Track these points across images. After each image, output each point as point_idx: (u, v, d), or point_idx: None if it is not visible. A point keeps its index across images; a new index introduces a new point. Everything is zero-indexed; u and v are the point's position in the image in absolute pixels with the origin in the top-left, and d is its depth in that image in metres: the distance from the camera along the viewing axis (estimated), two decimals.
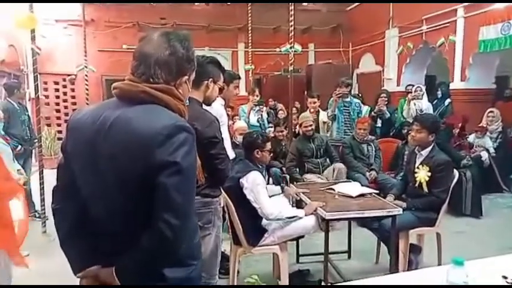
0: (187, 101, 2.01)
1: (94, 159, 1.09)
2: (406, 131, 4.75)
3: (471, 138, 5.42)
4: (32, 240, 3.71)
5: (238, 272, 2.86)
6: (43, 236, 4.05)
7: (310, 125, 4.44)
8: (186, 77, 1.21)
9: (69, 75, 8.56)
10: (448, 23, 6.44)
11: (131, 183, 1.05)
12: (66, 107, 8.76)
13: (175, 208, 1.03)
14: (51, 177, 1.40)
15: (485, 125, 5.48)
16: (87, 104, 7.56)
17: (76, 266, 1.17)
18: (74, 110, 8.55)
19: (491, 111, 5.51)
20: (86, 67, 7.67)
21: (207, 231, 2.08)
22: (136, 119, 1.06)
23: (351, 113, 5.25)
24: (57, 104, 8.74)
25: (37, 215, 4.45)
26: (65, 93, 8.76)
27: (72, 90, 8.77)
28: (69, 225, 1.19)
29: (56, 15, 8.28)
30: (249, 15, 8.10)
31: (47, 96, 8.55)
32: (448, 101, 6.18)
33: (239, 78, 3.13)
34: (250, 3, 8.05)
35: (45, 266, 3.07)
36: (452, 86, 6.46)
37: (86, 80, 7.74)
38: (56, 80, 8.68)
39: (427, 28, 6.93)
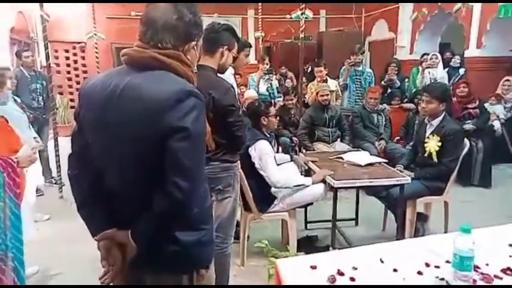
0: (202, 69, 2.04)
1: (106, 126, 1.12)
2: (417, 100, 4.69)
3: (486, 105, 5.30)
4: (50, 205, 3.92)
5: (248, 237, 2.96)
6: (60, 201, 4.22)
7: (327, 95, 4.42)
8: (194, 43, 1.22)
9: (79, 43, 8.52)
10: None
11: (142, 147, 1.08)
12: (77, 75, 8.78)
13: (185, 172, 1.06)
14: (66, 145, 1.45)
15: (500, 93, 5.37)
16: (98, 72, 7.56)
17: (94, 229, 1.22)
18: (85, 78, 8.56)
19: (507, 80, 5.37)
20: (95, 35, 7.61)
21: (226, 194, 2.14)
22: (145, 85, 1.08)
23: (363, 82, 5.19)
24: (68, 72, 8.76)
25: (54, 181, 4.60)
26: (75, 61, 8.76)
27: (83, 58, 8.75)
28: (85, 191, 1.24)
29: None
30: None
31: (58, 65, 8.55)
32: (462, 70, 6.03)
33: (250, 46, 3.11)
34: None
35: (65, 229, 3.22)
36: (467, 53, 6.27)
37: (96, 48, 7.70)
38: (66, 48, 8.65)
39: None
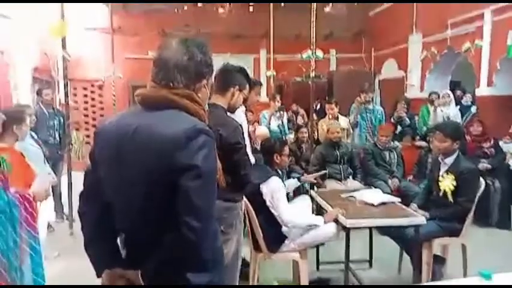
0: (212, 107, 2.09)
1: (119, 165, 1.14)
2: (429, 138, 4.66)
3: (501, 143, 5.23)
4: (60, 242, 3.90)
5: (258, 278, 2.88)
6: (70, 238, 4.20)
7: (338, 132, 4.44)
8: (205, 81, 1.25)
9: (97, 81, 8.87)
10: (474, 27, 6.28)
11: (154, 186, 1.09)
12: (94, 112, 9.06)
13: (196, 211, 1.06)
14: (79, 180, 1.47)
15: None
16: (114, 108, 7.80)
17: (98, 268, 1.22)
18: (101, 115, 8.85)
19: None
20: (113, 74, 7.93)
21: (228, 236, 2.10)
22: (157, 124, 1.11)
23: (373, 120, 5.22)
24: (86, 109, 9.06)
25: (65, 217, 4.61)
26: (93, 99, 9.09)
27: (100, 95, 9.08)
28: (92, 229, 1.25)
29: (85, 23, 8.60)
30: (271, 22, 8.15)
31: (76, 102, 8.86)
32: (474, 108, 6.02)
33: (261, 85, 3.20)
34: (272, 11, 8.11)
35: (74, 267, 3.18)
36: (478, 92, 6.28)
37: (113, 86, 7.99)
38: (85, 86, 9.00)
39: (452, 33, 6.78)
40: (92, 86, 9.02)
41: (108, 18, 8.13)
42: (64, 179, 4.53)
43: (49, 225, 4.17)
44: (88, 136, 8.42)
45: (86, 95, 9.05)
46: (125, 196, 1.16)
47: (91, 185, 1.26)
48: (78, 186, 1.36)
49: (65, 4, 4.25)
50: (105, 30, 8.44)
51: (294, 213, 2.75)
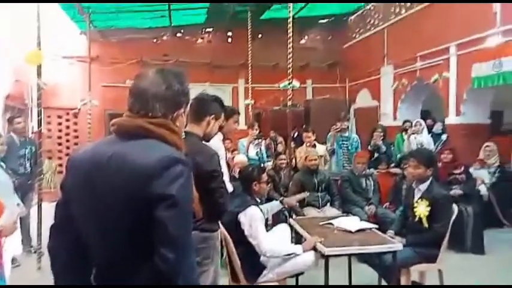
0: (188, 135, 2.08)
1: (91, 195, 1.11)
2: (403, 165, 4.78)
3: (471, 170, 5.42)
4: (27, 277, 3.68)
5: None
6: (38, 273, 3.97)
7: (315, 159, 4.50)
8: (182, 110, 1.26)
9: (72, 109, 8.73)
10: (441, 60, 6.65)
11: (128, 217, 1.06)
12: (68, 141, 8.87)
13: (172, 242, 1.03)
14: (50, 211, 1.41)
15: (482, 159, 5.52)
16: (88, 137, 7.64)
17: None
18: (76, 143, 8.66)
19: (487, 146, 5.56)
20: (89, 102, 7.84)
21: (205, 267, 2.06)
22: (133, 153, 1.09)
23: (349, 147, 5.33)
24: (60, 137, 8.85)
25: (33, 250, 4.38)
26: (67, 127, 8.91)
27: (75, 124, 8.93)
28: (63, 265, 1.20)
29: (62, 51, 8.57)
30: (249, 52, 8.38)
31: (49, 130, 8.65)
32: (444, 136, 6.26)
33: (238, 113, 3.21)
34: (250, 42, 8.35)
35: None
36: (447, 121, 6.57)
37: (89, 114, 7.87)
38: (60, 114, 8.85)
39: (421, 65, 7.14)
40: (67, 114, 8.88)
41: (86, 47, 8.12)
42: (34, 210, 4.34)
43: (14, 260, 3.94)
44: (61, 165, 8.17)
45: (60, 123, 8.88)
46: (97, 228, 1.12)
47: (63, 217, 1.21)
48: (49, 217, 1.31)
49: (42, 32, 4.23)
50: (82, 58, 8.42)
51: (273, 242, 2.72)
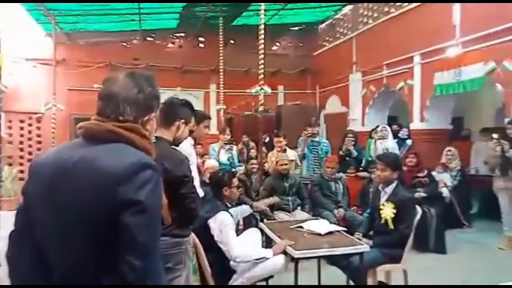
0: (157, 140, 2.06)
1: (55, 201, 1.07)
2: (370, 169, 4.93)
3: (434, 173, 5.66)
4: None
5: None
6: None
7: (286, 164, 4.55)
8: (153, 114, 1.25)
9: (35, 113, 8.38)
10: (406, 68, 6.93)
11: (94, 223, 1.02)
12: (30, 146, 8.48)
13: (138, 249, 1.00)
14: (10, 220, 1.35)
15: (445, 163, 5.78)
16: (53, 142, 7.37)
17: None
18: (38, 149, 8.30)
19: (449, 150, 5.84)
20: (54, 106, 7.56)
21: (177, 273, 2.02)
22: (101, 158, 1.06)
23: (320, 152, 5.43)
24: (21, 142, 8.45)
25: None
26: (30, 132, 8.52)
27: (38, 128, 8.55)
28: (23, 274, 1.14)
29: (26, 53, 8.24)
30: (221, 58, 8.39)
31: (10, 135, 8.26)
32: (410, 141, 6.51)
33: (209, 118, 3.21)
34: (222, 47, 8.36)
35: None
36: (412, 126, 6.84)
37: (53, 119, 7.59)
38: (22, 119, 8.45)
39: (388, 73, 7.41)
40: (30, 118, 8.50)
41: (51, 50, 7.85)
42: None
43: None
44: (22, 172, 7.81)
45: (22, 128, 8.48)
46: (60, 236, 1.07)
47: (23, 225, 1.16)
48: (9, 227, 1.24)
49: (3, 33, 4.06)
50: (47, 61, 8.13)
51: (243, 247, 2.72)
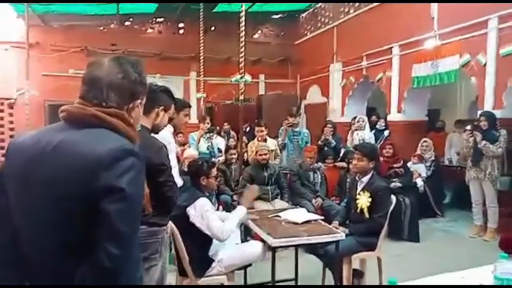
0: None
1: (32, 183, 1.04)
2: (347, 159, 5.01)
3: (409, 164, 5.81)
4: None
5: None
6: None
7: (266, 154, 4.56)
8: (139, 101, 1.22)
9: (7, 99, 8.07)
10: (385, 59, 7.02)
11: (72, 209, 1.00)
12: (2, 133, 8.19)
13: (117, 237, 0.99)
14: None
15: (420, 154, 5.93)
16: (26, 129, 7.13)
17: None
18: (11, 136, 8.02)
19: (424, 141, 5.98)
20: (27, 92, 7.29)
21: (153, 262, 2.01)
22: (83, 142, 1.03)
23: (300, 142, 5.48)
24: None
25: None
26: (1, 119, 8.22)
27: (11, 115, 8.25)
28: None
29: None
30: (201, 45, 8.26)
31: None
32: (387, 132, 6.63)
33: (190, 106, 3.16)
34: (202, 34, 8.24)
35: None
36: (389, 117, 6.97)
37: (27, 105, 7.34)
38: None
39: (367, 64, 7.49)
40: (1, 104, 8.18)
41: (24, 32, 7.53)
42: None
43: None
44: None
45: None
46: (36, 221, 1.05)
47: None
48: None
49: None
50: (20, 44, 7.80)
51: (224, 224, 2.72)
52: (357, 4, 7.92)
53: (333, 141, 6.00)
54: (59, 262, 1.04)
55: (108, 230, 0.98)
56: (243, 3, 5.24)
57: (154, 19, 9.39)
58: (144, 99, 1.27)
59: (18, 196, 1.08)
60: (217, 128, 6.06)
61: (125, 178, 1.00)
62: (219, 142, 5.53)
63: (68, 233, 1.02)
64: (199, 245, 2.67)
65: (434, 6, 5.82)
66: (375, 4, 7.28)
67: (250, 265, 2.98)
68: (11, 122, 8.21)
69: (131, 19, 9.18)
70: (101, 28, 9.03)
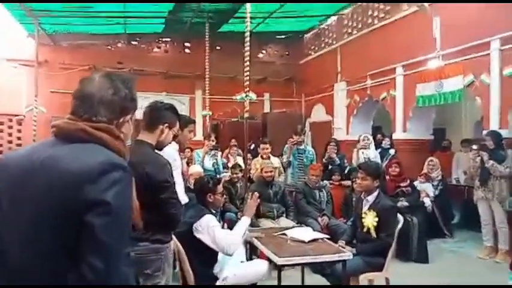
0: (140, 144, 2.03)
1: (18, 198, 1.04)
2: (352, 177, 4.97)
3: (416, 183, 5.74)
4: None
5: None
6: None
7: (271, 171, 4.55)
8: (129, 116, 1.23)
9: (16, 115, 8.17)
10: (389, 79, 7.06)
11: (58, 224, 0.99)
12: (10, 149, 8.24)
13: (101, 251, 0.97)
14: None
15: (426, 173, 5.87)
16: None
17: None
18: None
19: (431, 160, 5.94)
20: (35, 108, 7.39)
21: (156, 280, 1.98)
22: (69, 156, 1.03)
23: (305, 160, 5.46)
24: (1, 145, 8.22)
25: None
26: (10, 135, 8.30)
27: (19, 131, 8.34)
28: None
29: (7, 54, 8.06)
30: (207, 63, 8.38)
31: None
32: (392, 150, 6.61)
33: (194, 122, 3.19)
34: (208, 53, 8.36)
35: None
36: (394, 136, 6.95)
37: (34, 121, 7.42)
38: (2, 121, 8.24)
39: (371, 83, 7.54)
40: (10, 120, 8.28)
41: (33, 51, 7.69)
42: None
43: None
44: None
45: (2, 130, 8.26)
46: (20, 234, 1.03)
47: None
48: None
49: None
50: (29, 62, 7.95)
51: (230, 237, 2.71)
52: (359, 25, 8.03)
53: (336, 159, 5.98)
54: (42, 274, 1.02)
55: (93, 243, 0.97)
56: (248, 23, 5.33)
57: (160, 38, 9.56)
58: (135, 115, 1.27)
59: (6, 213, 1.07)
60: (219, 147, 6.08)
61: (111, 192, 0.99)
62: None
63: (54, 245, 1.00)
64: (204, 262, 2.64)
65: (437, 27, 5.88)
66: (377, 25, 7.39)
67: (255, 284, 2.92)
68: (19, 138, 8.30)
69: (138, 39, 9.36)
70: (109, 47, 9.20)
